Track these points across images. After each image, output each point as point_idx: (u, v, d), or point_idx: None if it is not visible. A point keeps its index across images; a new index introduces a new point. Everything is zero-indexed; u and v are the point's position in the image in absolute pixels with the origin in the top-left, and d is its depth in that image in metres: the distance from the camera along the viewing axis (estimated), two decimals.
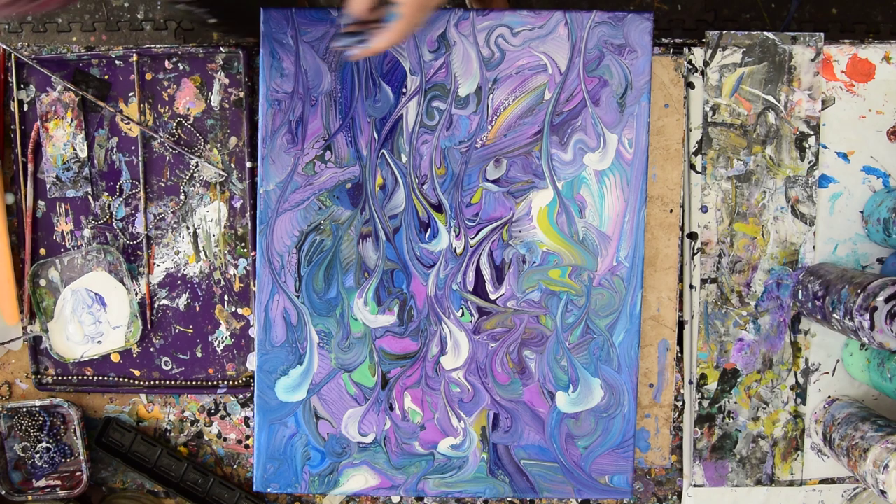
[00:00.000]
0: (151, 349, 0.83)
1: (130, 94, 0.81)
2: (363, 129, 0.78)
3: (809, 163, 0.82)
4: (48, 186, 0.82)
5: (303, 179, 0.78)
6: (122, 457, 0.82)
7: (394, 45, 0.66)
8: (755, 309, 0.83)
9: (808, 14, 1.60)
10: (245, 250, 0.82)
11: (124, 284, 0.82)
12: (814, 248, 0.83)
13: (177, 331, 0.83)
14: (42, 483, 0.83)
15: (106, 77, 0.81)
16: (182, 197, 0.82)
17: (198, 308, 0.83)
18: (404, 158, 0.78)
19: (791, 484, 0.85)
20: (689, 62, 0.83)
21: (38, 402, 0.81)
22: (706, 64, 0.82)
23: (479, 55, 0.78)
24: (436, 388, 0.80)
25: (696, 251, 0.83)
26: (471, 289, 0.79)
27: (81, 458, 0.81)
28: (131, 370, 0.84)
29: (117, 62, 0.81)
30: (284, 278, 0.79)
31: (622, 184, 0.78)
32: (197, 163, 0.82)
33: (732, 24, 1.60)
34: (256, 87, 0.82)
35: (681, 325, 0.84)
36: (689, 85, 0.83)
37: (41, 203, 0.82)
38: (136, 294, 0.83)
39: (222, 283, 0.83)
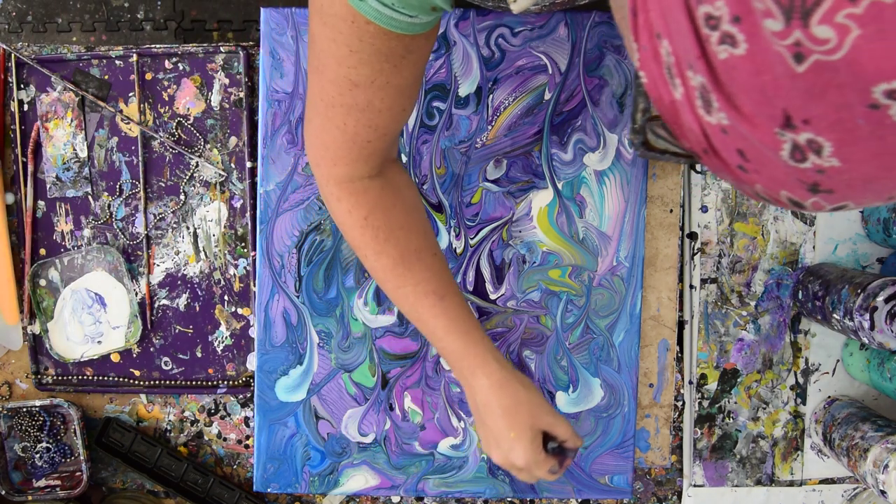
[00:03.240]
0: (151, 349, 0.83)
1: (130, 94, 0.81)
2: None
3: None
4: (48, 186, 0.82)
5: (303, 179, 0.78)
6: (122, 457, 0.82)
7: None
8: (755, 309, 0.83)
9: None
10: (245, 250, 0.82)
11: (124, 284, 0.82)
12: (814, 248, 0.83)
13: (177, 331, 0.83)
14: (42, 483, 0.83)
15: (106, 77, 0.81)
16: (182, 197, 0.82)
17: (198, 308, 0.83)
18: (404, 158, 0.78)
19: (791, 484, 0.85)
20: None
21: (38, 402, 0.81)
22: None
23: (479, 55, 0.78)
24: (436, 388, 0.80)
25: (696, 251, 0.83)
26: (471, 289, 0.79)
27: (81, 458, 0.81)
28: (131, 370, 0.84)
29: (117, 62, 0.81)
30: (284, 278, 0.79)
31: (622, 184, 0.78)
32: (197, 163, 0.82)
33: None
34: (256, 87, 0.82)
35: (681, 325, 0.84)
36: None
37: (41, 203, 0.82)
38: (136, 294, 0.83)
39: (222, 283, 0.83)
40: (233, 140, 0.82)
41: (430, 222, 0.62)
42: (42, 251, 0.83)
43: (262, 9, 0.77)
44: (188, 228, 0.82)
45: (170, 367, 0.83)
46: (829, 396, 0.85)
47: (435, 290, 0.59)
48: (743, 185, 0.35)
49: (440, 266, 0.60)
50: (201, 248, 0.83)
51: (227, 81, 0.81)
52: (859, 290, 0.70)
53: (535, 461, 0.59)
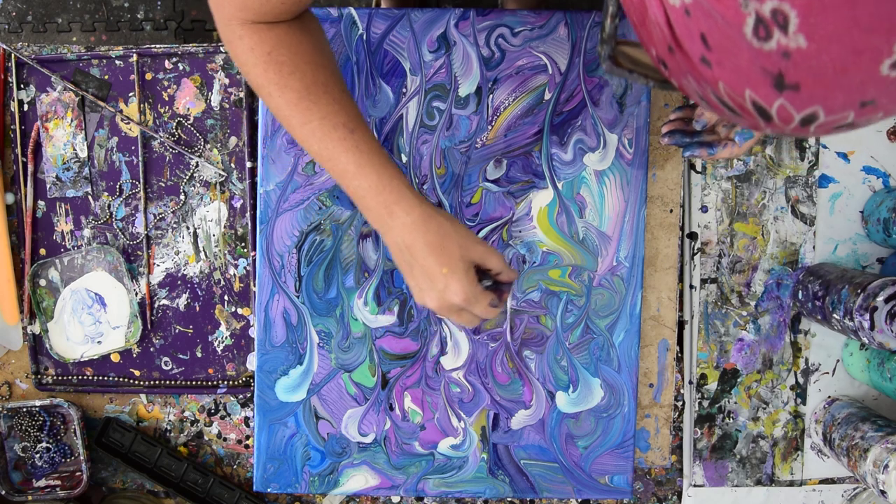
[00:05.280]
0: (151, 349, 0.83)
1: (130, 94, 0.81)
2: None
3: (809, 163, 0.82)
4: (48, 186, 0.82)
5: (303, 179, 0.78)
6: (122, 457, 0.82)
7: (737, 157, 0.71)
8: (755, 309, 0.83)
9: None
10: (245, 250, 0.82)
11: (124, 284, 0.82)
12: (814, 248, 0.83)
13: (177, 331, 0.83)
14: (42, 483, 0.83)
15: (106, 77, 0.81)
16: (182, 197, 0.82)
17: (198, 308, 0.83)
18: (404, 158, 0.78)
19: (791, 484, 0.85)
20: None
21: (38, 402, 0.81)
22: None
23: (479, 55, 0.78)
24: (436, 388, 0.80)
25: (696, 251, 0.83)
26: None
27: (81, 458, 0.81)
28: (131, 370, 0.84)
29: (117, 62, 0.81)
30: (284, 278, 0.79)
31: (622, 184, 0.78)
32: (197, 163, 0.82)
33: None
34: None
35: (681, 325, 0.84)
36: None
37: (41, 203, 0.82)
38: (136, 294, 0.83)
39: (222, 283, 0.83)
40: (233, 140, 0.82)
41: (339, 66, 0.58)
42: (42, 251, 0.83)
43: None
44: (188, 228, 0.82)
45: (170, 367, 0.83)
46: (829, 396, 0.85)
47: (345, 122, 0.55)
48: (707, 87, 0.32)
49: (349, 101, 0.57)
50: (201, 248, 0.83)
51: (227, 81, 0.81)
52: (859, 290, 0.70)
53: (474, 295, 0.56)
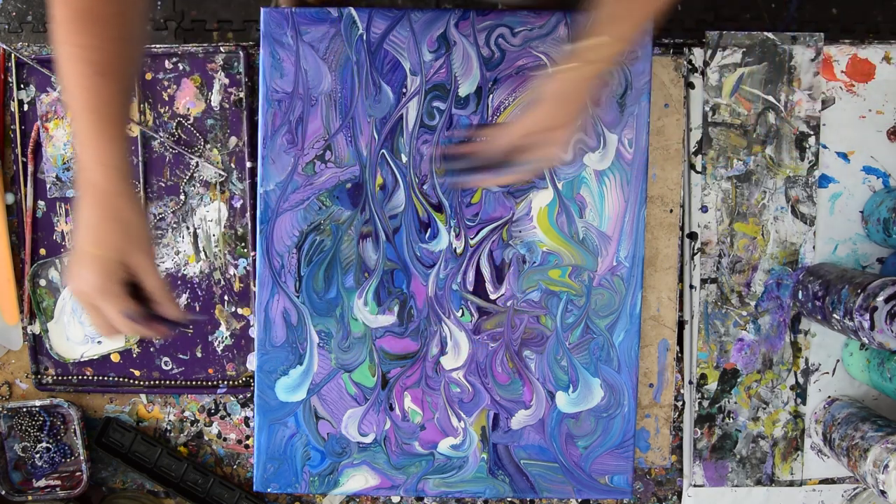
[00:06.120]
0: (151, 349, 0.83)
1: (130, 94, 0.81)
2: (363, 129, 0.78)
3: (809, 163, 0.82)
4: (48, 186, 0.82)
5: (303, 179, 0.78)
6: (122, 457, 0.82)
7: (515, 183, 0.74)
8: (755, 309, 0.83)
9: (808, 14, 1.60)
10: (245, 250, 0.82)
11: None
12: (814, 248, 0.83)
13: (177, 331, 0.83)
14: (42, 483, 0.83)
15: None
16: (182, 197, 0.82)
17: (198, 308, 0.83)
18: (404, 158, 0.78)
19: (791, 484, 0.85)
20: (689, 62, 0.83)
21: (38, 402, 0.81)
22: (706, 64, 0.82)
23: (479, 55, 0.78)
24: (436, 388, 0.80)
25: (696, 251, 0.83)
26: (471, 289, 0.79)
27: (81, 458, 0.81)
28: (131, 370, 0.84)
29: None
30: (284, 278, 0.79)
31: (622, 184, 0.78)
32: (197, 163, 0.82)
33: (732, 24, 1.60)
34: (256, 87, 0.82)
35: (681, 325, 0.84)
36: (689, 85, 0.83)
37: (41, 203, 0.82)
38: None
39: (222, 283, 0.83)
40: (233, 140, 0.82)
41: (146, 22, 0.56)
42: (42, 251, 0.83)
43: (262, 9, 0.77)
44: (188, 228, 0.82)
45: (170, 367, 0.83)
46: (829, 396, 0.85)
47: (100, 61, 0.52)
48: None
49: (121, 48, 0.53)
50: (201, 248, 0.83)
51: (227, 81, 0.81)
52: (859, 290, 0.70)
53: (103, 289, 0.53)
